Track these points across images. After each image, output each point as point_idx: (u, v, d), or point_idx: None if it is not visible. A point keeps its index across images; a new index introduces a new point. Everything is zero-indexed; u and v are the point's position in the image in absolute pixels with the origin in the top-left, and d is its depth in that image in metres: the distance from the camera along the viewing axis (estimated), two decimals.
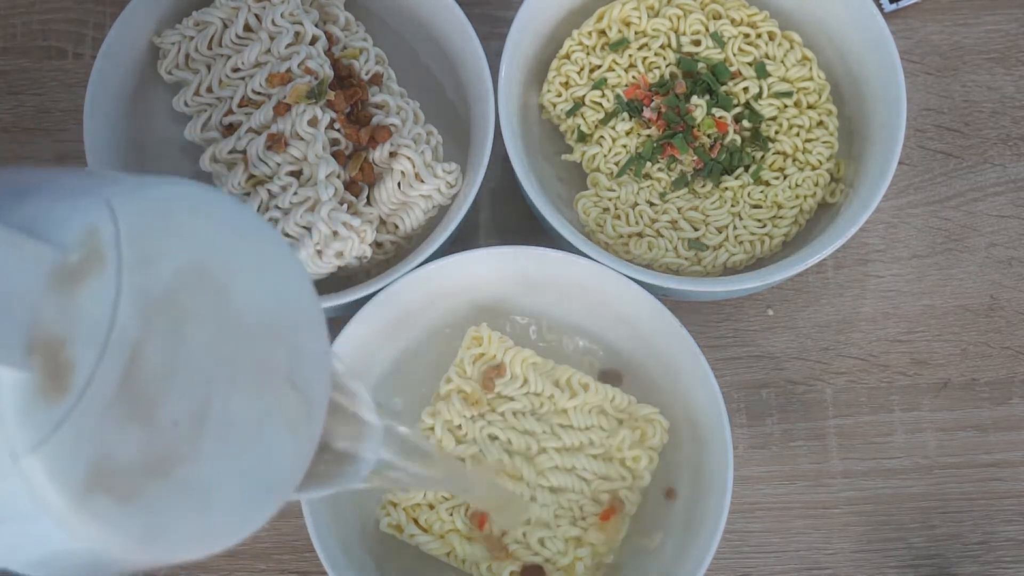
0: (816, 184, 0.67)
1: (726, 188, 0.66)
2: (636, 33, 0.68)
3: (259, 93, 0.63)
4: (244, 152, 0.62)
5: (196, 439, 0.29)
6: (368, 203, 0.63)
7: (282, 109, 0.61)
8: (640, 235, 0.66)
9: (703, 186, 0.67)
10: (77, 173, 0.31)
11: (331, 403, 0.35)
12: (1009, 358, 0.70)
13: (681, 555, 0.59)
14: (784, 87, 0.68)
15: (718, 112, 0.67)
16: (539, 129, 0.71)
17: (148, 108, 0.68)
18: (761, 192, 0.66)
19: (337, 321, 0.61)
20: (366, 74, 0.65)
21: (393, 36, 0.70)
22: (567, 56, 0.69)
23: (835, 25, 0.68)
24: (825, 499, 0.68)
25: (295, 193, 0.60)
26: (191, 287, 0.29)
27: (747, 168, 0.67)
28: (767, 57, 0.68)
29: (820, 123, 0.68)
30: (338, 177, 0.61)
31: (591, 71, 0.68)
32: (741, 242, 0.66)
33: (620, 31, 0.68)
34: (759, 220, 0.66)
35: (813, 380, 0.70)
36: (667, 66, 0.68)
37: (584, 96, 0.68)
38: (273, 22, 0.63)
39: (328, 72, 0.62)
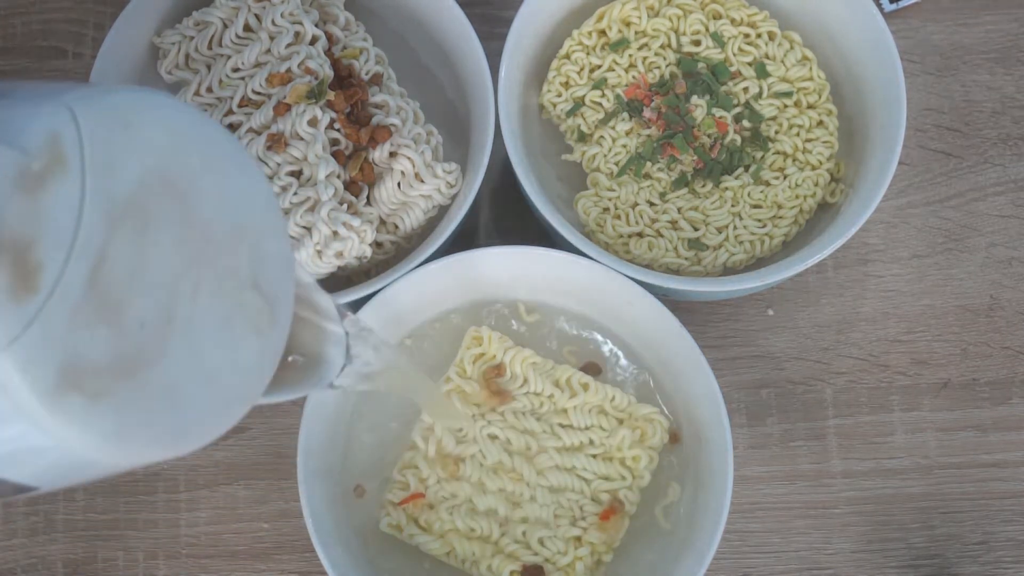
0: (816, 184, 0.67)
1: (726, 188, 0.66)
2: (636, 33, 0.68)
3: (259, 93, 0.63)
4: None
5: (163, 340, 0.29)
6: (368, 203, 0.63)
7: (282, 109, 0.61)
8: (640, 235, 0.66)
9: (703, 186, 0.67)
10: (36, 82, 0.32)
11: (297, 314, 0.35)
12: (1009, 358, 0.70)
13: (681, 555, 0.59)
14: (784, 87, 0.68)
15: (718, 112, 0.67)
16: (539, 129, 0.71)
17: None
18: (761, 192, 0.66)
19: None
20: (366, 74, 0.65)
21: (393, 36, 0.70)
22: (567, 56, 0.69)
23: (835, 25, 0.68)
24: (825, 499, 0.68)
25: (295, 193, 0.60)
26: (155, 191, 0.29)
27: (747, 168, 0.67)
28: (767, 57, 0.68)
29: (820, 123, 0.68)
30: (338, 177, 0.61)
31: (591, 71, 0.68)
32: (741, 242, 0.66)
33: (620, 31, 0.68)
34: (759, 220, 0.66)
35: (813, 380, 0.70)
36: (667, 66, 0.68)
37: (584, 96, 0.68)
38: (273, 22, 0.63)
39: (328, 72, 0.62)
